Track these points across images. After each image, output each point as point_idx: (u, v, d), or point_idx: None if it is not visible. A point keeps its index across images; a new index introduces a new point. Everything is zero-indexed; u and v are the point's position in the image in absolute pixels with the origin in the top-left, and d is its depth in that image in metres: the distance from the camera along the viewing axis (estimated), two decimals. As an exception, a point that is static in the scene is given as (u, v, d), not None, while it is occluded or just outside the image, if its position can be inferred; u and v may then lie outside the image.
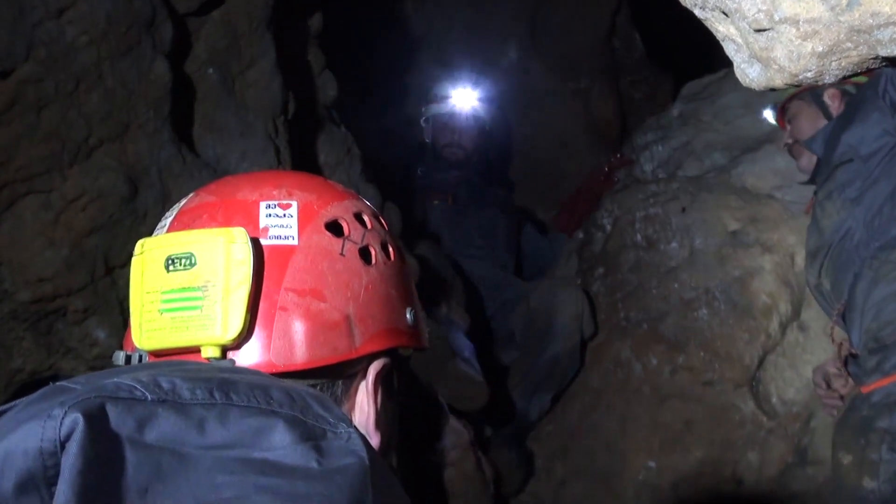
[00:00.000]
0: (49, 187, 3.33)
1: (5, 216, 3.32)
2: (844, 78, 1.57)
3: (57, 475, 0.91)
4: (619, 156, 5.71)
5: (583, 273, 5.28)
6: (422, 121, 5.98)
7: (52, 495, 0.91)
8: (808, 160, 4.11)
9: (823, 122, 4.03)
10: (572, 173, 6.50)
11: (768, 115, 4.41)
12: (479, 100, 5.86)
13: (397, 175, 6.06)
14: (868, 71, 1.60)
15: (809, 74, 1.57)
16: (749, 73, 1.60)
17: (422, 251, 4.86)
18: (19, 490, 0.94)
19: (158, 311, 1.30)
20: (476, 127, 5.84)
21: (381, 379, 1.42)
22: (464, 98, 5.79)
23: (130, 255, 1.45)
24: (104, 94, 3.37)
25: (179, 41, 3.66)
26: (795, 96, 4.15)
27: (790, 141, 4.22)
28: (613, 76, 7.04)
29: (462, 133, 5.78)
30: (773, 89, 1.59)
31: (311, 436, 1.03)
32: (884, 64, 1.55)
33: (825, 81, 1.56)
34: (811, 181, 4.12)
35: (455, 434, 4.28)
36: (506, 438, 4.75)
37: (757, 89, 1.61)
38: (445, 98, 5.87)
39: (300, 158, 4.15)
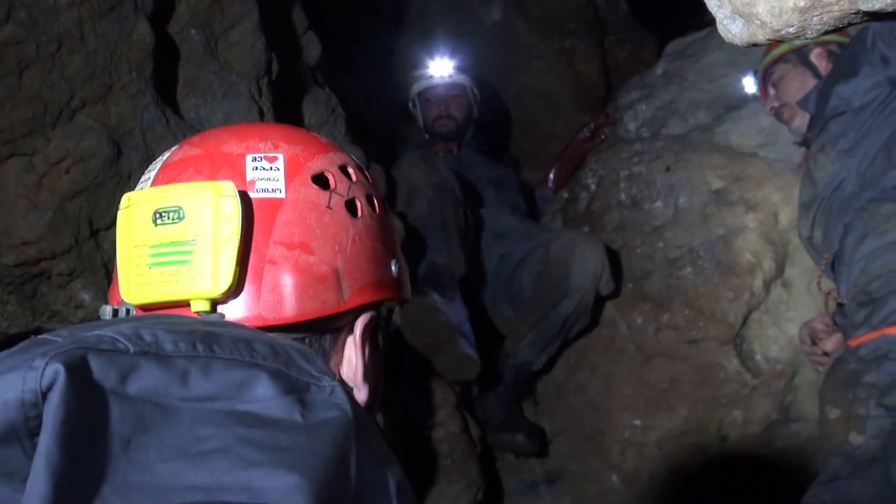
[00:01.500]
0: (32, 150, 3.31)
1: (-11, 179, 3.31)
2: (825, 33, 1.57)
3: (39, 426, 0.92)
4: (605, 115, 5.68)
5: (568, 233, 5.29)
6: (410, 107, 5.95)
7: (34, 446, 0.91)
8: (801, 121, 4.14)
9: (813, 83, 4.06)
10: (557, 133, 6.49)
11: (748, 82, 4.42)
12: (456, 67, 5.80)
13: (382, 135, 6.04)
14: (847, 26, 1.60)
15: (791, 30, 1.57)
16: (731, 28, 1.59)
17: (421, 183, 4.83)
18: (0, 441, 0.93)
19: (147, 265, 1.30)
20: (461, 95, 5.76)
21: (368, 332, 1.42)
22: (441, 67, 5.74)
23: (115, 218, 1.45)
24: (86, 55, 3.35)
25: (161, 2, 3.64)
26: (779, 60, 4.19)
27: (777, 104, 4.24)
28: (598, 35, 7.02)
29: (448, 102, 5.70)
30: (755, 45, 1.59)
31: (294, 389, 1.04)
32: (864, 18, 1.54)
33: (807, 37, 1.56)
34: (804, 142, 4.14)
35: (442, 392, 4.29)
36: (507, 389, 4.71)
37: (739, 45, 1.61)
38: (424, 73, 5.83)
39: (284, 119, 4.13)
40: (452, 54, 5.89)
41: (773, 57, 4.20)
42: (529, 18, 6.92)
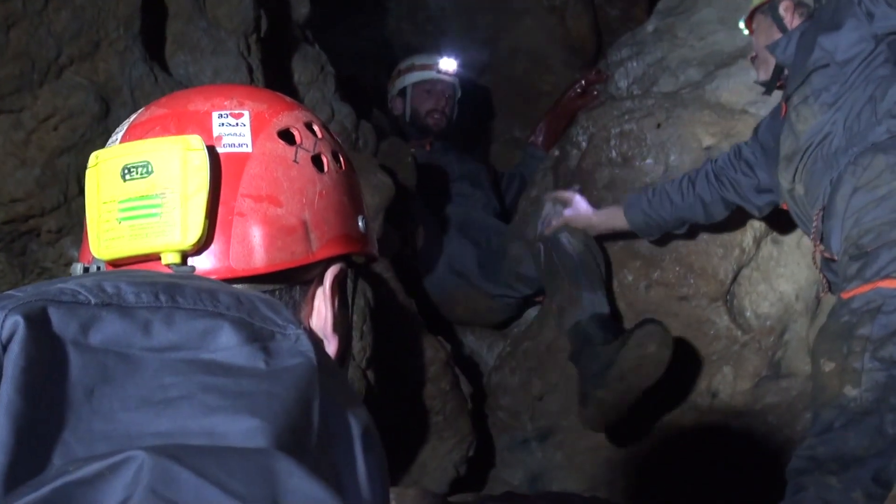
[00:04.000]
0: (20, 107, 3.31)
1: (-24, 137, 3.30)
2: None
3: (1, 377, 0.92)
4: (596, 71, 5.66)
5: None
6: (393, 94, 5.94)
7: None
8: (766, 70, 4.16)
9: (777, 35, 4.06)
10: (548, 91, 6.47)
11: (741, 25, 4.43)
12: (460, 67, 5.90)
13: (374, 94, 6.05)
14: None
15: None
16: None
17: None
18: None
19: (116, 220, 1.31)
20: (454, 95, 5.87)
21: (337, 284, 1.45)
22: (448, 65, 5.82)
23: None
24: (73, 11, 3.34)
25: (149, -43, 3.62)
26: (758, 9, 4.20)
27: (753, 55, 4.27)
28: (587, -8, 7.01)
29: (446, 100, 5.79)
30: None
31: (258, 337, 1.06)
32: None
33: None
34: (769, 90, 4.17)
35: (433, 350, 4.31)
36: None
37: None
38: (428, 65, 5.85)
39: (273, 77, 4.14)
40: (458, 54, 5.98)
41: (753, 5, 4.22)
42: (519, -25, 6.90)
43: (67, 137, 3.35)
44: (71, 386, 0.95)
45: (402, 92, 5.82)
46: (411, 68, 5.87)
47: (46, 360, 0.94)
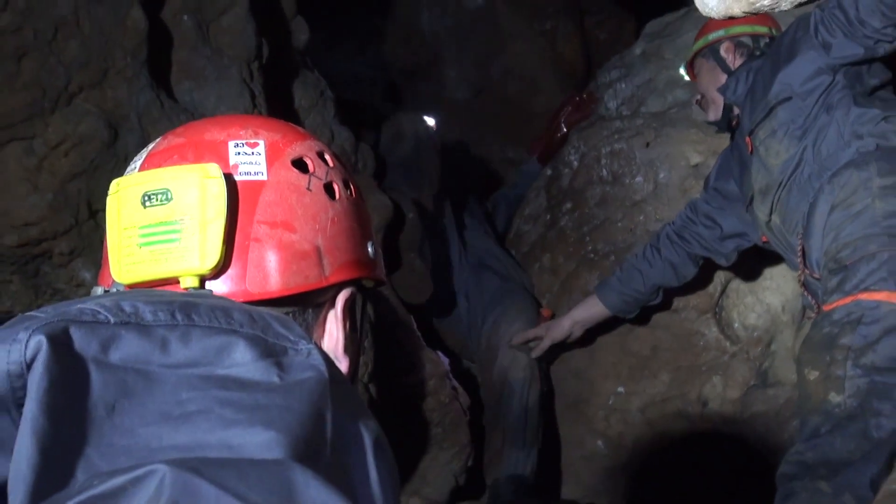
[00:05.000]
0: (31, 134, 3.31)
1: (-9, 163, 3.31)
2: (799, 5, 1.59)
3: (24, 396, 0.93)
4: (588, 94, 5.67)
5: (551, 208, 5.28)
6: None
7: (21, 415, 0.92)
8: (716, 110, 4.20)
9: (723, 77, 4.13)
10: (540, 112, 6.47)
11: (682, 72, 4.47)
12: (436, 122, 5.86)
13: (371, 117, 6.03)
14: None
15: (766, 2, 1.58)
16: (708, 2, 1.61)
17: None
18: None
19: (137, 245, 1.32)
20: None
21: (348, 307, 1.45)
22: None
23: (117, 199, 1.47)
24: (82, 41, 3.35)
25: (155, -13, 3.64)
26: (698, 54, 4.26)
27: (698, 97, 4.32)
28: (578, 17, 7.03)
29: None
30: (731, 17, 1.61)
31: (271, 353, 1.06)
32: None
33: (781, 8, 1.58)
34: (726, 128, 4.20)
35: (432, 364, 4.31)
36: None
37: (716, 18, 1.62)
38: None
39: (275, 102, 4.15)
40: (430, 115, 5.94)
41: (693, 51, 4.30)
42: (510, 0, 6.92)
43: (78, 163, 3.36)
44: (92, 403, 0.95)
45: None
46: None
47: (69, 378, 0.95)
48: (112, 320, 1.02)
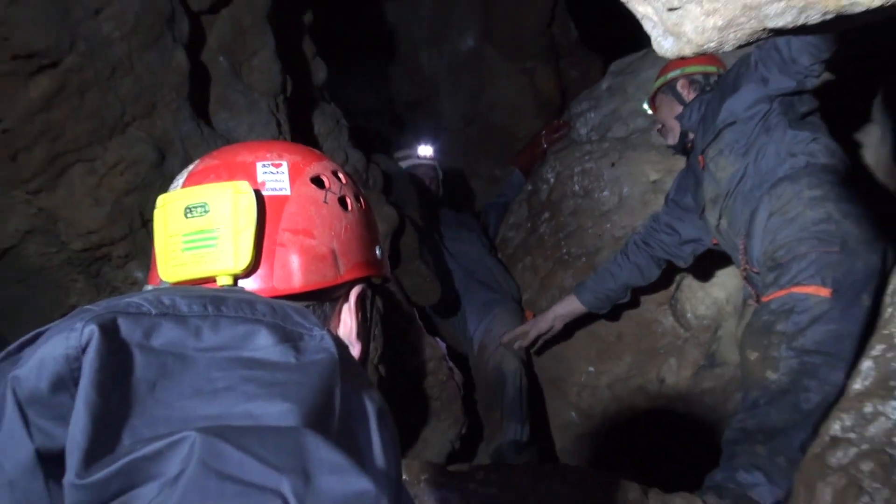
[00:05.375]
0: (93, 157, 3.32)
1: (59, 182, 3.31)
2: (740, 46, 1.57)
3: (78, 378, 0.94)
4: (562, 121, 5.68)
5: (532, 218, 5.30)
6: None
7: (75, 394, 0.93)
8: (674, 136, 4.23)
9: (679, 108, 4.16)
10: (522, 137, 6.47)
11: (645, 106, 4.50)
12: (434, 152, 5.81)
13: (379, 142, 6.02)
14: (756, 41, 1.60)
15: (712, 44, 1.57)
16: (664, 44, 1.59)
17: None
18: (53, 389, 0.96)
19: (181, 249, 1.34)
20: (435, 171, 5.77)
21: (359, 301, 1.46)
22: (425, 151, 5.75)
23: (161, 211, 1.48)
24: (135, 79, 3.35)
25: (195, 34, 3.64)
26: (659, 90, 4.30)
27: (659, 126, 4.35)
28: (553, 58, 7.03)
29: (430, 179, 5.69)
30: (683, 57, 1.59)
31: (289, 338, 1.06)
32: (770, 34, 1.55)
33: (724, 50, 1.56)
34: (683, 151, 4.22)
35: (431, 349, 4.31)
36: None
37: (670, 58, 1.61)
38: (409, 155, 5.78)
39: (298, 130, 4.15)
40: (431, 142, 5.92)
41: (654, 88, 4.34)
42: (496, 45, 6.92)
43: (131, 181, 3.35)
44: (136, 381, 0.96)
45: None
46: (401, 158, 5.78)
47: (116, 361, 0.96)
48: (153, 312, 1.04)
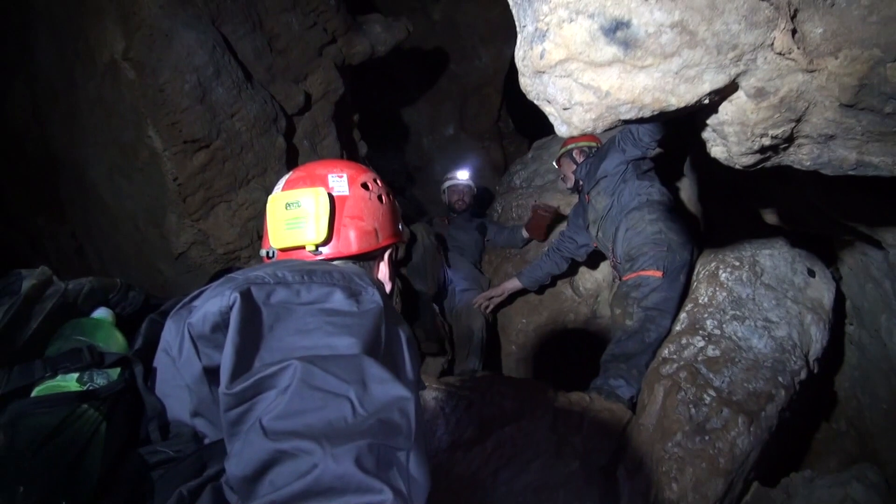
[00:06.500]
0: (230, 199, 3.32)
1: (210, 214, 3.31)
2: (607, 129, 1.59)
3: (229, 323, 0.94)
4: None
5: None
6: (441, 192, 5.38)
7: (227, 333, 0.93)
8: (571, 182, 4.17)
9: (574, 166, 4.13)
10: (480, 186, 6.43)
11: (554, 164, 4.47)
12: (469, 176, 5.32)
13: (406, 195, 5.93)
14: (614, 128, 1.62)
15: (589, 129, 1.59)
16: (561, 130, 1.61)
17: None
18: (212, 330, 0.96)
19: (284, 229, 1.33)
20: (469, 189, 5.24)
21: (390, 258, 1.45)
22: (461, 175, 5.27)
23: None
24: (254, 154, 3.36)
25: (289, 127, 3.65)
26: (562, 156, 4.23)
27: (562, 176, 4.32)
28: (499, 139, 7.02)
29: (463, 193, 5.19)
30: (571, 136, 1.61)
31: (353, 294, 1.04)
32: (623, 123, 1.57)
33: (597, 132, 1.58)
34: (576, 191, 4.16)
35: (433, 314, 4.29)
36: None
37: (565, 136, 1.63)
38: (451, 177, 5.31)
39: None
40: (467, 168, 5.46)
41: (559, 154, 4.27)
42: (467, 132, 6.91)
43: (252, 214, 3.35)
44: (262, 325, 0.95)
45: (444, 191, 5.31)
46: (446, 180, 5.36)
47: (249, 314, 0.95)
48: (271, 281, 1.02)
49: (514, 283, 4.36)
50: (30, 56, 3.62)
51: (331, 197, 1.34)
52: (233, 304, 0.95)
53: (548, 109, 1.62)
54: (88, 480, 0.85)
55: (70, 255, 4.01)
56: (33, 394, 0.93)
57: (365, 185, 1.40)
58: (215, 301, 0.97)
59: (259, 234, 3.36)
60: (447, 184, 5.31)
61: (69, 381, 0.95)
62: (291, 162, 3.64)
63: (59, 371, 0.96)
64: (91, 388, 0.95)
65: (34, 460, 0.82)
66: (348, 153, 4.25)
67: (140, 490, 0.89)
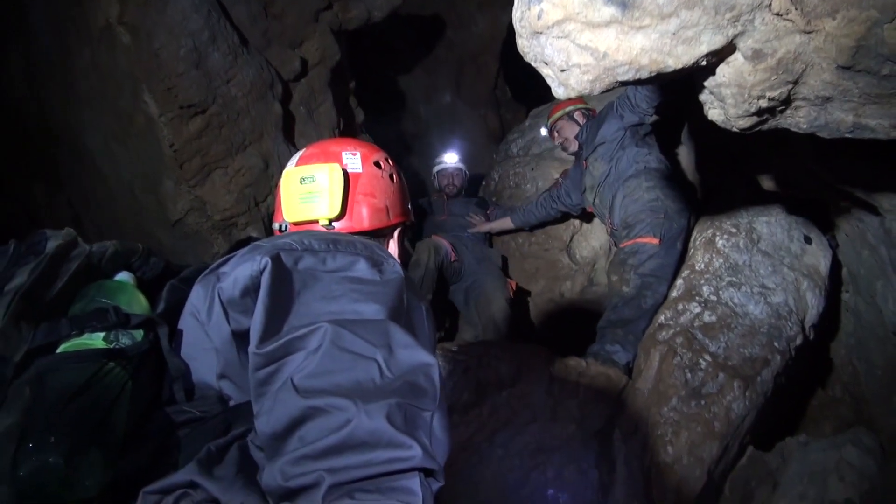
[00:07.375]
0: (226, 165, 3.32)
1: (207, 180, 3.31)
2: (604, 91, 1.59)
3: (259, 286, 0.95)
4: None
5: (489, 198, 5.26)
6: (432, 177, 5.21)
7: (255, 299, 0.94)
8: (573, 146, 4.12)
9: (577, 129, 4.07)
10: (476, 155, 6.41)
11: (543, 131, 4.43)
12: (458, 159, 5.15)
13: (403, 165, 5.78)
14: (612, 89, 1.62)
15: (586, 90, 1.59)
16: (558, 91, 1.61)
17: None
18: (242, 295, 0.97)
19: (298, 203, 1.34)
20: (459, 172, 5.08)
21: (400, 234, 1.46)
22: (449, 158, 5.11)
23: (267, 197, 1.50)
24: (251, 120, 3.35)
25: (285, 93, 3.63)
26: (559, 119, 4.15)
27: (560, 141, 4.22)
28: (496, 107, 6.99)
29: (453, 176, 5.04)
30: (569, 98, 1.61)
31: (376, 264, 1.05)
32: (620, 84, 1.57)
33: (594, 94, 1.59)
34: (577, 155, 4.12)
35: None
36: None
37: (563, 98, 1.63)
38: (441, 161, 5.16)
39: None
40: (456, 151, 5.26)
41: (555, 118, 4.17)
42: (463, 100, 6.87)
43: (248, 180, 3.35)
44: (291, 290, 0.96)
45: (434, 176, 5.15)
46: (436, 164, 5.20)
47: (280, 278, 0.96)
48: (298, 248, 1.03)
49: (506, 223, 4.41)
50: (24, 23, 3.57)
51: (344, 173, 1.35)
52: (264, 268, 0.96)
53: (545, 71, 1.62)
54: (115, 435, 0.87)
55: (67, 224, 4.01)
56: (59, 350, 0.94)
57: (377, 164, 1.41)
58: (246, 266, 0.98)
59: (256, 200, 3.36)
60: (436, 168, 5.18)
61: (95, 340, 0.97)
62: (288, 128, 3.63)
63: (85, 329, 0.97)
64: (118, 346, 0.96)
65: (63, 415, 0.83)
66: (345, 120, 4.23)
67: (166, 446, 0.92)
